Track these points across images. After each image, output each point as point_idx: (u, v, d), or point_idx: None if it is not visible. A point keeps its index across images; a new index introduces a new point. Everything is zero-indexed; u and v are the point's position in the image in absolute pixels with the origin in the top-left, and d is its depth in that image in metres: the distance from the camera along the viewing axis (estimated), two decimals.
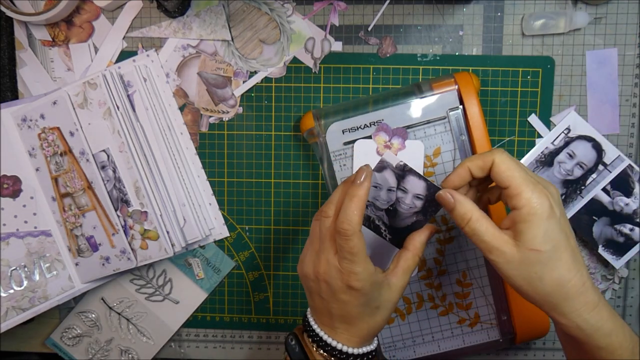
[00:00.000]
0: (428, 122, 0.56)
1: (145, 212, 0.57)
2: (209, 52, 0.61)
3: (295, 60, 0.60)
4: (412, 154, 0.56)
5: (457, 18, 0.59)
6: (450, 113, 0.56)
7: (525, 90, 0.59)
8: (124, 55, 0.61)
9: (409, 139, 0.56)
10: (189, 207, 0.60)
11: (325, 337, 0.45)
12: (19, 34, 0.61)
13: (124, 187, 0.57)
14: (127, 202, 0.57)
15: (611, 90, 0.59)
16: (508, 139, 0.60)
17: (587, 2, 0.58)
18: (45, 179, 0.59)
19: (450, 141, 0.56)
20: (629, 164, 0.58)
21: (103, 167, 0.58)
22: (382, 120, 0.56)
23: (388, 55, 0.60)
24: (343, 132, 0.57)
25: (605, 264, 0.61)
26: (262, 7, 0.60)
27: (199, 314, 0.65)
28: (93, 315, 0.65)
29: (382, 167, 0.47)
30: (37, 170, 0.60)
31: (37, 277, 0.59)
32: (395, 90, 0.59)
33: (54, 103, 0.57)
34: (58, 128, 0.58)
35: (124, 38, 0.61)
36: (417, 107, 0.56)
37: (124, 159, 0.57)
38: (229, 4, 0.60)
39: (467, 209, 0.41)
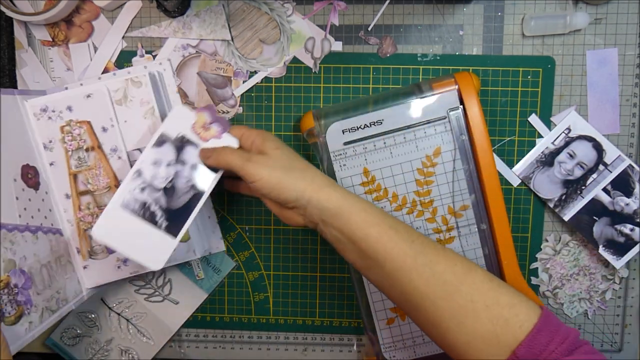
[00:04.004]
0: (428, 122, 0.56)
1: None
2: (209, 52, 0.61)
3: (295, 60, 0.60)
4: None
5: (457, 18, 0.59)
6: (451, 113, 0.56)
7: (526, 90, 0.59)
8: (124, 55, 0.61)
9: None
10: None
11: None
12: (19, 34, 0.61)
13: None
14: None
15: (611, 90, 0.59)
16: (508, 139, 0.60)
17: (587, 2, 0.58)
18: (61, 174, 0.56)
19: (451, 141, 0.56)
20: (630, 164, 0.58)
21: None
22: (383, 120, 0.56)
23: (388, 55, 0.60)
24: (343, 132, 0.57)
25: (606, 264, 0.61)
26: (262, 7, 0.60)
27: (199, 314, 0.65)
28: (93, 316, 0.65)
29: (162, 141, 0.50)
30: (51, 164, 0.56)
31: (58, 278, 0.55)
32: (395, 90, 0.59)
33: (88, 96, 0.55)
34: (89, 122, 0.56)
35: (123, 38, 0.61)
36: (417, 107, 0.56)
37: None
38: (228, 4, 0.60)
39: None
